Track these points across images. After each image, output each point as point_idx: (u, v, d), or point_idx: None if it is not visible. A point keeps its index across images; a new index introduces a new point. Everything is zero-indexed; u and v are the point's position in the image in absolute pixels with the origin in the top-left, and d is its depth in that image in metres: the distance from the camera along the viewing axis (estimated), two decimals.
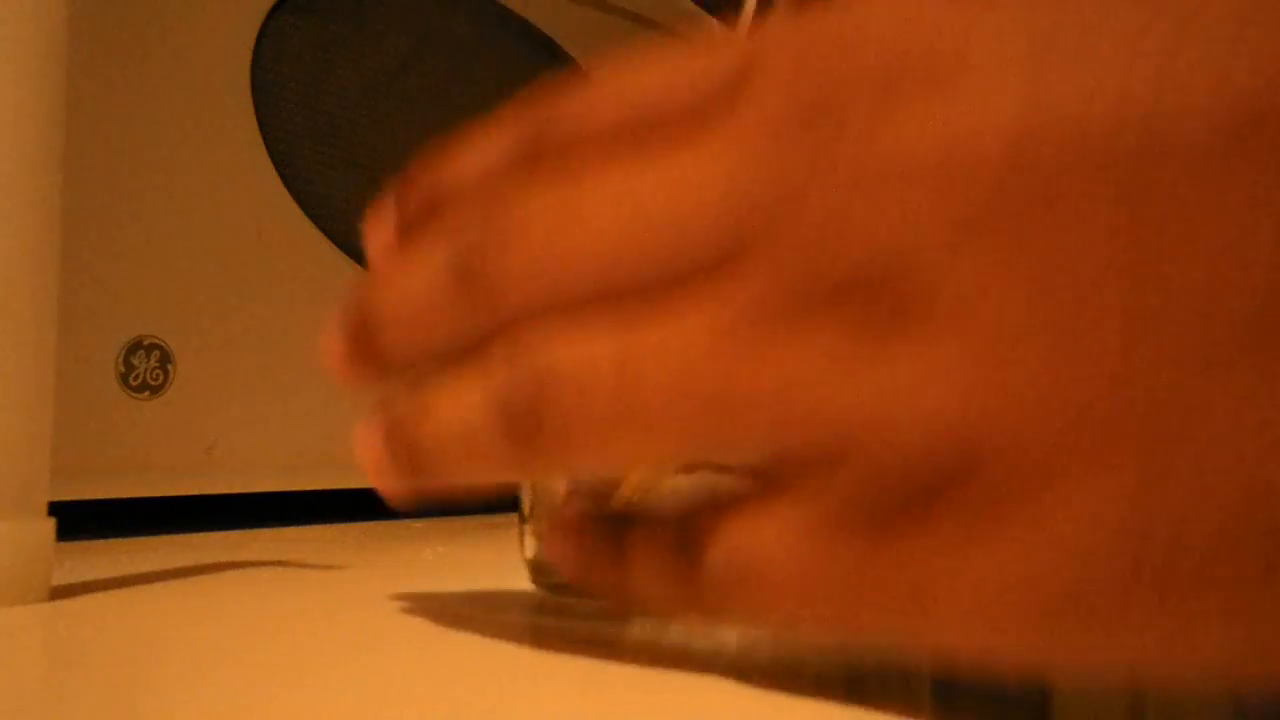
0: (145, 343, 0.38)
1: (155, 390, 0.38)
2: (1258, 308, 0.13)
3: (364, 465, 0.20)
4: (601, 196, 0.17)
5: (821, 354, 0.15)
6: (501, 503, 0.48)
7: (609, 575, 0.19)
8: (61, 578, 0.25)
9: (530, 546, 0.26)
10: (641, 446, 0.17)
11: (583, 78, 0.18)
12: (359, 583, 0.28)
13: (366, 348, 0.20)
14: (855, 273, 0.15)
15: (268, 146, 0.42)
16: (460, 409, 0.19)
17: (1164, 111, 0.13)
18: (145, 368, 0.38)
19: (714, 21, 0.64)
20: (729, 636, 0.21)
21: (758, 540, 0.16)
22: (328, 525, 0.43)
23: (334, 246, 0.44)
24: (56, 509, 0.24)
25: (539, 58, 0.54)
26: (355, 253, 0.45)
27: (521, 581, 0.26)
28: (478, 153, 0.20)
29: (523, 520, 0.26)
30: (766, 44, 0.17)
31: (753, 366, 0.16)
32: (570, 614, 0.24)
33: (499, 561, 0.33)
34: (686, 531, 0.17)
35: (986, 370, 0.14)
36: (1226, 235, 0.13)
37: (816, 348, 0.15)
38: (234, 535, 0.38)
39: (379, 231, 0.21)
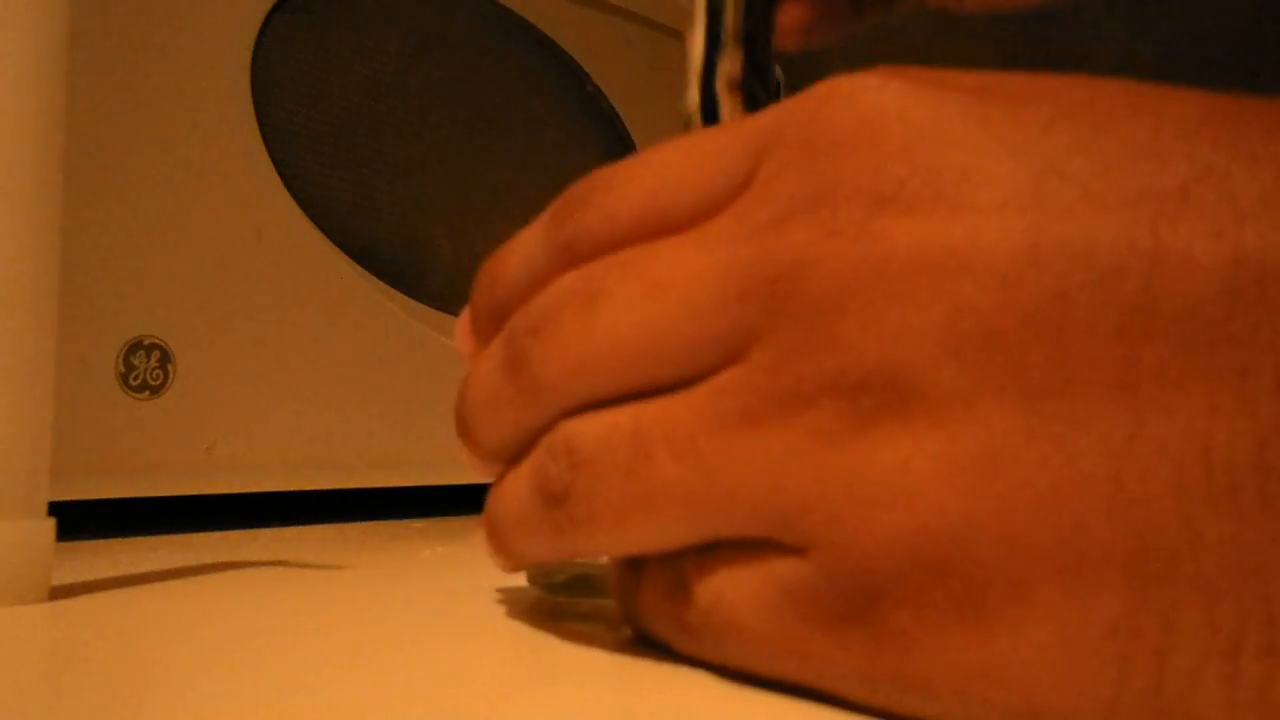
0: (145, 343, 0.38)
1: (155, 390, 0.38)
2: (1249, 459, 0.13)
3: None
4: (619, 279, 0.18)
5: (807, 441, 0.16)
6: None
7: (627, 603, 0.20)
8: (61, 578, 0.25)
9: None
10: (650, 527, 0.17)
11: (609, 171, 0.20)
12: (359, 583, 0.28)
13: (467, 440, 0.21)
14: (844, 367, 0.15)
15: (268, 146, 0.42)
16: (514, 491, 0.20)
17: (1168, 262, 0.14)
18: (145, 368, 0.38)
19: None
20: None
21: (740, 591, 0.17)
22: (328, 525, 0.43)
23: (334, 246, 0.44)
24: (56, 509, 0.24)
25: (539, 58, 0.54)
26: (355, 253, 0.45)
27: (520, 581, 0.26)
28: (521, 253, 0.21)
29: None
30: (778, 124, 0.18)
31: (746, 454, 0.16)
32: (568, 613, 0.24)
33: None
34: (683, 567, 0.18)
35: (972, 472, 0.14)
36: (1221, 390, 0.13)
37: (803, 435, 0.16)
38: (234, 535, 0.38)
39: (463, 330, 0.22)
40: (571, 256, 0.19)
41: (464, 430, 0.21)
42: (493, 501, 0.21)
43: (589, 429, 0.18)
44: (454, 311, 0.49)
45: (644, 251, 0.18)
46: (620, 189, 0.19)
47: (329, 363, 0.43)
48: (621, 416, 0.18)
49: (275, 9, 0.43)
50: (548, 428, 0.19)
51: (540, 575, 0.26)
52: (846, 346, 0.15)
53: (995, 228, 0.15)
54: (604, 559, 0.21)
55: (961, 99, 0.16)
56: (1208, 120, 0.15)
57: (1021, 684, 0.14)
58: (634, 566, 0.20)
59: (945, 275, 0.15)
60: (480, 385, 0.21)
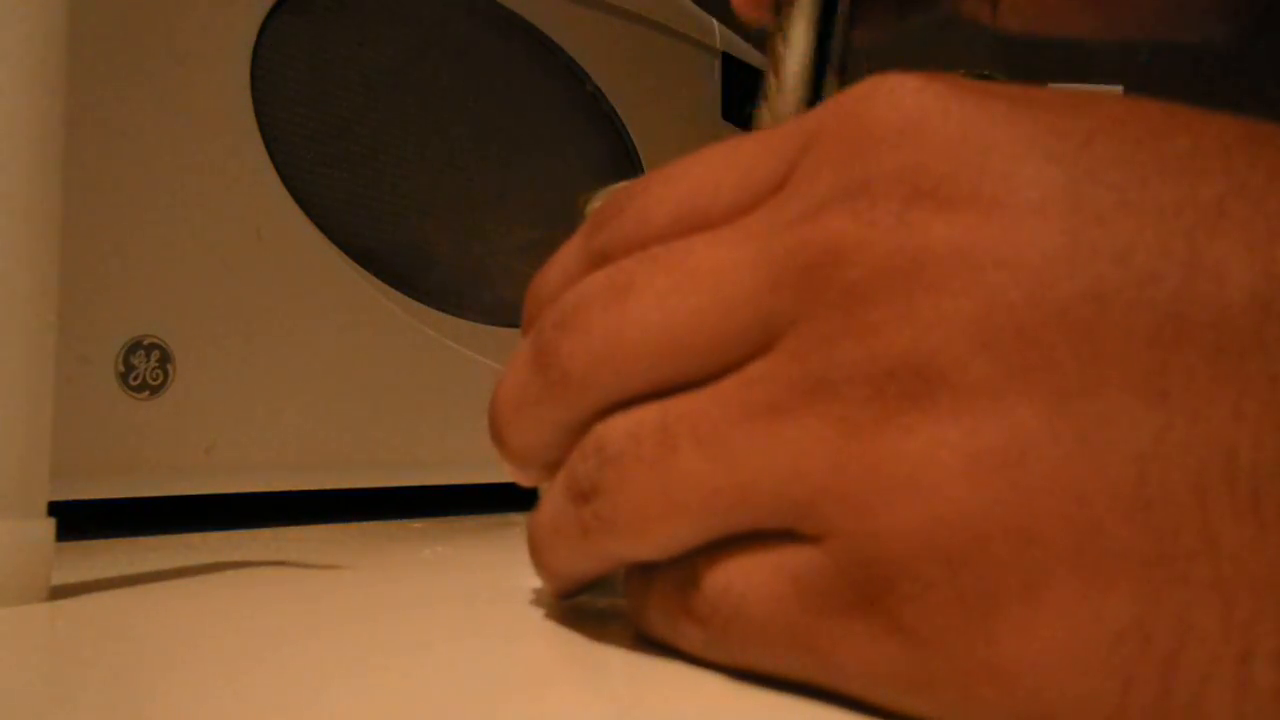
0: (145, 343, 0.38)
1: (155, 390, 0.38)
2: (1272, 466, 0.13)
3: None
4: (650, 272, 0.18)
5: (830, 430, 0.16)
6: (500, 502, 0.48)
7: (637, 601, 0.20)
8: (61, 578, 0.25)
9: None
10: (672, 523, 0.17)
11: (644, 179, 0.20)
12: (359, 583, 0.28)
13: (497, 442, 0.21)
14: (874, 355, 0.16)
15: (268, 146, 0.42)
16: (550, 500, 0.20)
17: (1202, 271, 0.14)
18: (145, 368, 0.38)
19: (714, 22, 0.64)
20: None
21: (750, 580, 0.17)
22: (328, 525, 0.43)
23: (334, 246, 0.44)
24: (56, 509, 0.24)
25: (539, 58, 0.54)
26: (355, 253, 0.45)
27: (522, 581, 0.26)
28: (559, 266, 0.21)
29: None
30: (818, 123, 0.18)
31: (768, 442, 0.16)
32: (575, 613, 0.24)
33: (499, 561, 0.33)
34: (694, 561, 0.18)
35: (993, 466, 0.14)
36: (1249, 398, 0.13)
37: (827, 423, 0.16)
38: (234, 535, 0.38)
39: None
40: (605, 261, 0.20)
41: (494, 432, 0.21)
42: (533, 517, 0.21)
43: (618, 426, 0.18)
44: (454, 312, 0.49)
45: (675, 246, 0.18)
46: (656, 193, 0.19)
47: (329, 362, 0.43)
48: (649, 412, 0.18)
49: (275, 10, 0.43)
50: (579, 428, 0.19)
51: None
52: (877, 334, 0.15)
53: (1033, 227, 0.15)
54: None
55: (1003, 106, 0.16)
56: (1244, 141, 0.15)
57: (1026, 687, 0.14)
58: (646, 567, 0.20)
59: (980, 269, 0.15)
60: (508, 384, 0.21)
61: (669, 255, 0.18)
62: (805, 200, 0.17)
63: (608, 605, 0.24)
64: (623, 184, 0.25)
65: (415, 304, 0.47)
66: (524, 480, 0.22)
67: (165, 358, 0.38)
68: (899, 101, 0.17)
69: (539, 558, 0.21)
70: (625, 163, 0.57)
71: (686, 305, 0.17)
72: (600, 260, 0.20)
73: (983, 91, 0.16)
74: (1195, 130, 0.15)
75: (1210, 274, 0.14)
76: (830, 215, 0.16)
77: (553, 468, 0.20)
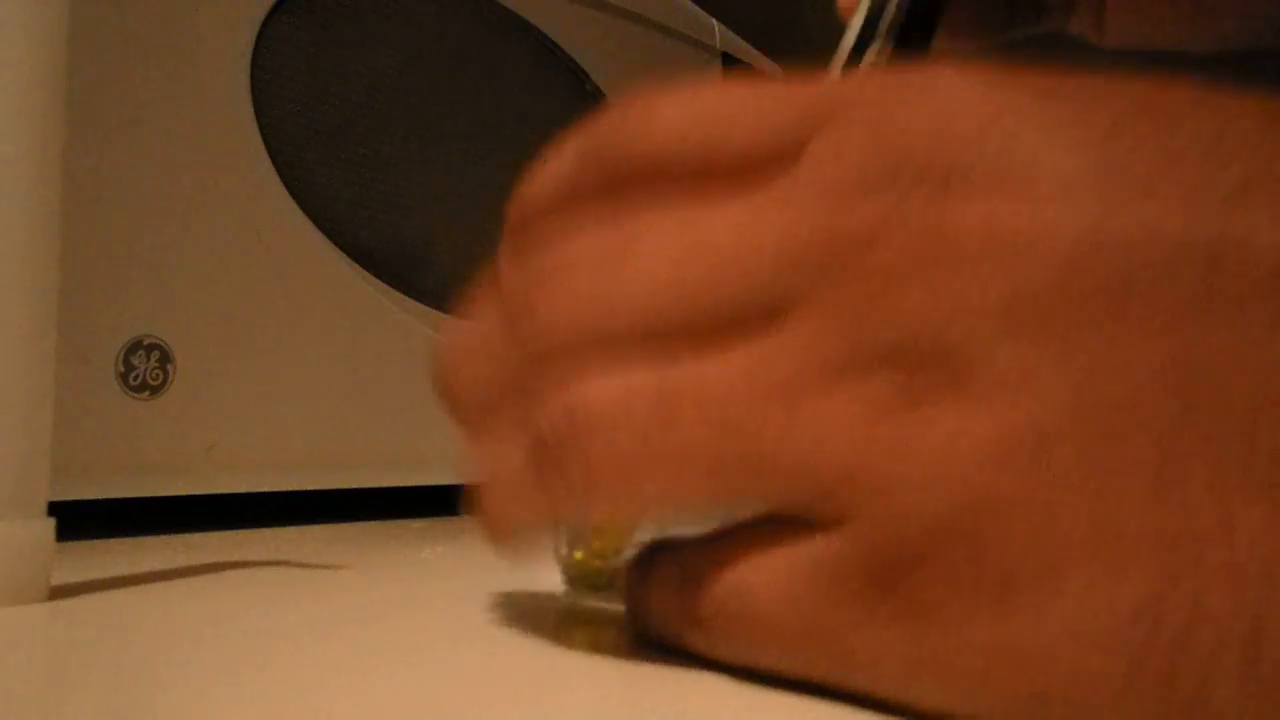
0: (145, 343, 0.38)
1: (155, 390, 0.38)
2: None
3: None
4: (655, 234, 0.18)
5: (855, 412, 0.16)
6: None
7: (636, 603, 0.20)
8: (61, 578, 0.25)
9: (565, 544, 0.25)
10: (666, 489, 0.17)
11: (648, 100, 0.18)
12: (360, 583, 0.28)
13: (445, 397, 0.20)
14: (902, 338, 0.15)
15: (268, 146, 0.42)
16: (504, 452, 0.19)
17: (1228, 250, 0.14)
18: (145, 368, 0.38)
19: (714, 22, 0.64)
20: None
21: (760, 574, 0.17)
22: (328, 525, 0.43)
23: (334, 246, 0.44)
24: (56, 509, 0.24)
25: (539, 58, 0.54)
26: (355, 253, 0.45)
27: (522, 581, 0.26)
28: (542, 181, 0.20)
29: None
30: (844, 99, 0.17)
31: (787, 417, 0.16)
32: (576, 614, 0.24)
33: (499, 562, 0.33)
34: (693, 558, 0.18)
35: (1019, 452, 0.14)
36: (1272, 379, 0.13)
37: (851, 405, 0.16)
38: (234, 535, 0.38)
39: (480, 279, 0.21)
40: (602, 171, 0.19)
41: (446, 383, 0.20)
42: (483, 467, 0.20)
43: (600, 390, 0.17)
44: (453, 312, 0.49)
45: (682, 198, 0.18)
46: (664, 113, 0.18)
47: (329, 363, 0.43)
48: (641, 379, 0.17)
49: (275, 9, 0.43)
50: (541, 380, 0.18)
51: (580, 575, 0.25)
52: (905, 317, 0.15)
53: (1060, 212, 0.15)
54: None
55: (1030, 96, 0.16)
56: (1269, 122, 0.15)
57: (1034, 668, 0.14)
58: (642, 565, 0.19)
59: (1009, 255, 0.15)
60: (470, 331, 0.20)
61: (683, 214, 0.18)
62: (831, 180, 0.17)
63: (607, 607, 0.24)
64: None
65: (414, 304, 0.47)
66: (466, 433, 0.20)
67: (165, 358, 0.38)
68: (929, 91, 0.17)
69: (495, 516, 0.20)
70: None
71: (696, 272, 0.17)
72: (600, 180, 0.19)
73: (1012, 80, 0.17)
74: (1220, 113, 0.15)
75: (1235, 252, 0.14)
76: (859, 201, 0.16)
77: (485, 410, 0.19)
